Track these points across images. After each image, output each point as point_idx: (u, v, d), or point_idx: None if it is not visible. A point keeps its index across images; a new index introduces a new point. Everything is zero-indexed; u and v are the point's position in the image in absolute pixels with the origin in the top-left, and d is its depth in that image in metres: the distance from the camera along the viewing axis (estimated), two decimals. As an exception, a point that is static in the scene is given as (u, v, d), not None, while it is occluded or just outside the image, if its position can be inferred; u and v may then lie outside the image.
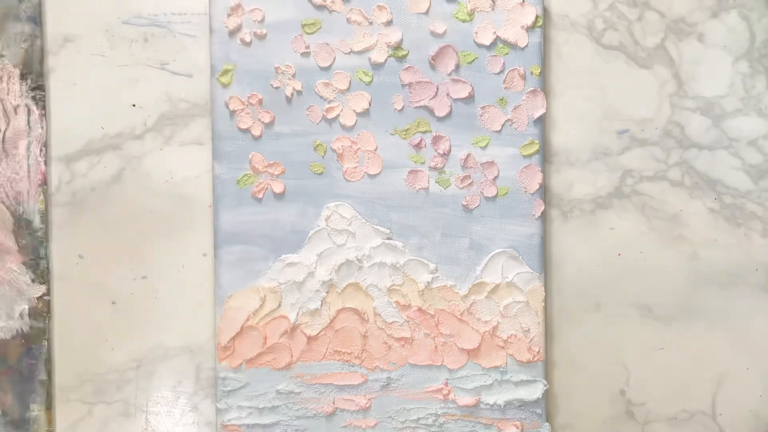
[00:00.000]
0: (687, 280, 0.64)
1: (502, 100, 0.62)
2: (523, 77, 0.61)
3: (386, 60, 0.62)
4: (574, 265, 0.64)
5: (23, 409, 0.63)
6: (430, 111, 0.62)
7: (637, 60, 0.64)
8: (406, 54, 0.62)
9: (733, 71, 0.64)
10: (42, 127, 0.63)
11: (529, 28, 0.61)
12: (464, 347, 0.62)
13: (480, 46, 0.61)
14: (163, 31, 0.63)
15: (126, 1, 0.63)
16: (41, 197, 0.63)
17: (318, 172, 0.62)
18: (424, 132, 0.62)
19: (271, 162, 0.62)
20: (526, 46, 0.61)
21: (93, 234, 0.64)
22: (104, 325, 0.64)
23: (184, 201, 0.64)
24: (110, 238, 0.64)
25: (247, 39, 0.61)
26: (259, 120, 0.62)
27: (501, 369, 0.62)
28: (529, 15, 0.61)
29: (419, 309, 0.62)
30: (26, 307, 0.63)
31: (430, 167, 0.62)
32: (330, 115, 0.62)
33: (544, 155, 0.63)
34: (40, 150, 0.63)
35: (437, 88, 0.62)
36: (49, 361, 0.63)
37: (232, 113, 0.62)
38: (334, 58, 0.62)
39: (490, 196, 0.62)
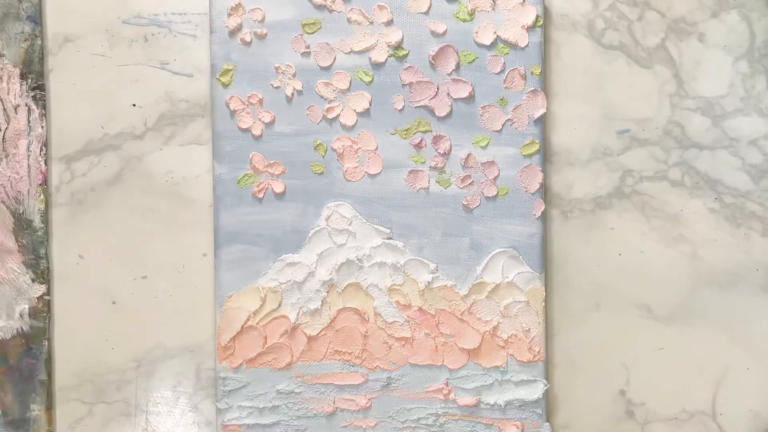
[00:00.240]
0: (687, 280, 0.64)
1: (502, 99, 0.62)
2: (524, 77, 0.61)
3: (386, 60, 0.62)
4: (575, 265, 0.64)
5: (23, 409, 0.63)
6: (431, 111, 0.62)
7: (637, 60, 0.64)
8: (407, 54, 0.62)
9: (733, 71, 0.64)
10: (42, 127, 0.63)
11: (530, 28, 0.61)
12: (465, 347, 0.62)
13: (480, 45, 0.61)
14: (163, 31, 0.63)
15: (126, 1, 0.63)
16: (41, 197, 0.63)
17: (318, 171, 0.62)
18: (425, 132, 0.62)
19: (272, 162, 0.62)
20: (527, 45, 0.61)
21: (93, 234, 0.64)
22: (104, 325, 0.64)
23: (184, 201, 0.64)
24: (110, 238, 0.64)
25: (248, 39, 0.61)
26: (260, 120, 0.62)
27: (501, 369, 0.62)
28: (530, 15, 0.61)
29: (420, 309, 0.62)
30: (26, 307, 0.63)
31: (430, 167, 0.62)
32: (330, 115, 0.62)
33: (545, 155, 0.63)
34: (40, 150, 0.63)
35: (437, 88, 0.62)
36: (49, 361, 0.63)
37: (233, 113, 0.62)
38: (335, 58, 0.62)
39: (491, 195, 0.62)
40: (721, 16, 0.64)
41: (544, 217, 0.63)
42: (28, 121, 0.63)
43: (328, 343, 0.62)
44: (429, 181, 0.62)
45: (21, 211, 0.63)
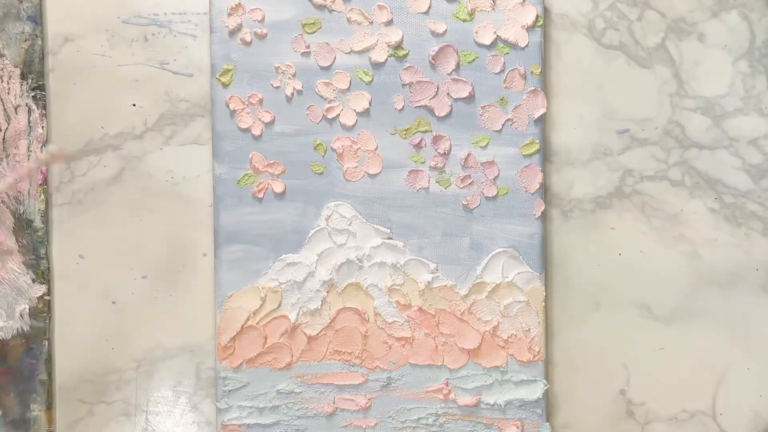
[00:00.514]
0: (687, 280, 0.64)
1: (502, 99, 0.62)
2: (524, 77, 0.61)
3: (386, 60, 0.62)
4: (575, 265, 0.64)
5: (23, 409, 0.63)
6: (431, 111, 0.62)
7: (637, 60, 0.64)
8: (407, 54, 0.62)
9: (733, 71, 0.64)
10: (42, 127, 0.63)
11: (530, 28, 0.61)
12: (465, 347, 0.62)
13: (480, 45, 0.61)
14: (163, 31, 0.63)
15: (126, 1, 0.63)
16: (41, 197, 0.63)
17: (318, 171, 0.62)
18: (425, 132, 0.62)
19: (272, 162, 0.62)
20: (527, 45, 0.61)
21: (93, 234, 0.64)
22: (104, 325, 0.64)
23: (184, 201, 0.64)
24: (110, 238, 0.64)
25: (248, 38, 0.61)
26: (260, 120, 0.62)
27: (501, 369, 0.62)
28: (530, 14, 0.61)
29: (420, 309, 0.62)
30: (26, 307, 0.63)
31: (430, 167, 0.62)
32: (330, 115, 0.62)
33: (545, 155, 0.63)
34: (41, 150, 0.63)
35: (437, 88, 0.62)
36: (49, 361, 0.63)
37: (233, 113, 0.62)
38: (335, 58, 0.62)
39: (491, 195, 0.62)
40: (721, 16, 0.64)
41: (544, 217, 0.63)
42: (29, 122, 0.63)
43: (328, 343, 0.62)
44: (429, 181, 0.62)
45: (21, 211, 0.63)
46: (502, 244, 0.62)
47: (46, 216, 0.63)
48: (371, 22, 0.61)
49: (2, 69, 0.62)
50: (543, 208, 0.62)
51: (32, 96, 0.63)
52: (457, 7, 0.61)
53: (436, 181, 0.62)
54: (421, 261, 0.62)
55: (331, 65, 0.62)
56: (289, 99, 0.62)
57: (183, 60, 0.63)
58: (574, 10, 0.63)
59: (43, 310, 0.63)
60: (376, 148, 0.62)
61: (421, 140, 0.62)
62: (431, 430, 0.63)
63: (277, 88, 0.62)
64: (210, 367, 0.64)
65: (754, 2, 0.63)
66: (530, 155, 0.62)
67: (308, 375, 0.62)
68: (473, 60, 0.61)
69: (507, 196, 0.62)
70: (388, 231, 0.62)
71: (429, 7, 0.61)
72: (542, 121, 0.62)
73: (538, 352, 0.62)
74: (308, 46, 0.61)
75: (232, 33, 0.61)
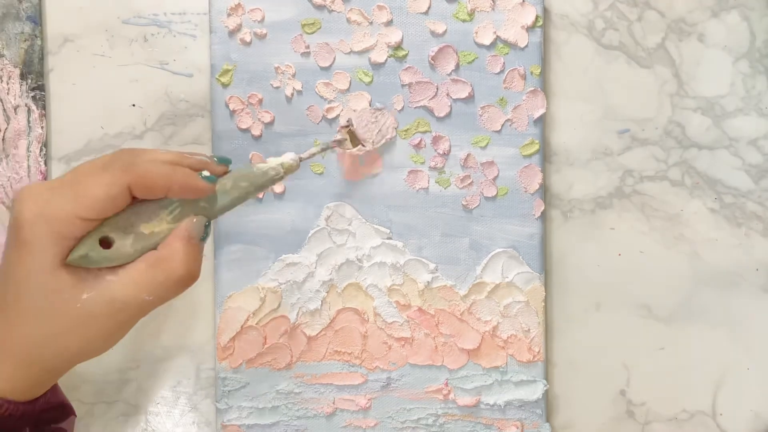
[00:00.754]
0: (687, 280, 0.64)
1: (502, 100, 0.62)
2: (523, 77, 0.61)
3: (386, 60, 0.62)
4: (574, 265, 0.64)
5: (23, 409, 0.63)
6: (430, 111, 0.62)
7: (637, 60, 0.64)
8: (406, 54, 0.62)
9: (733, 71, 0.64)
10: (42, 127, 0.63)
11: (529, 28, 0.61)
12: (464, 347, 0.62)
13: (480, 46, 0.61)
14: (163, 31, 0.63)
15: (126, 1, 0.63)
16: (41, 197, 0.63)
17: (318, 171, 0.62)
18: (424, 132, 0.62)
19: (271, 162, 0.62)
20: (526, 46, 0.61)
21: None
22: (104, 325, 0.64)
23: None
24: (110, 238, 0.64)
25: (247, 39, 0.61)
26: (259, 120, 0.62)
27: (501, 369, 0.62)
28: (529, 15, 0.61)
29: (419, 309, 0.62)
30: (26, 307, 0.63)
31: (430, 167, 0.62)
32: (330, 115, 0.62)
33: (544, 155, 0.63)
34: (40, 150, 0.63)
35: (437, 88, 0.62)
36: (49, 361, 0.63)
37: (232, 113, 0.62)
38: (334, 58, 0.62)
39: (490, 196, 0.62)
40: (721, 16, 0.63)
41: (544, 217, 0.63)
42: (28, 122, 0.63)
43: (328, 344, 0.62)
44: (429, 181, 0.62)
45: (21, 211, 0.63)
46: (502, 244, 0.62)
47: (46, 216, 0.63)
48: (371, 23, 0.61)
49: (2, 69, 0.62)
50: (543, 208, 0.62)
51: (32, 96, 0.63)
52: (456, 8, 0.61)
53: (436, 182, 0.62)
54: (421, 261, 0.62)
55: (330, 65, 0.62)
56: (289, 99, 0.62)
57: (183, 60, 0.63)
58: (574, 11, 0.63)
59: (43, 310, 0.63)
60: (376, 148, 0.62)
61: (421, 140, 0.62)
62: (431, 430, 0.63)
63: (277, 88, 0.62)
64: (210, 367, 0.64)
65: (754, 2, 0.63)
66: (530, 155, 0.62)
67: (308, 375, 0.62)
68: (473, 60, 0.61)
69: (507, 196, 0.62)
70: (388, 231, 0.62)
71: (429, 8, 0.61)
72: (542, 122, 0.62)
73: (538, 352, 0.62)
74: (308, 47, 0.61)
75: (232, 33, 0.61)
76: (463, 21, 0.61)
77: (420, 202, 0.62)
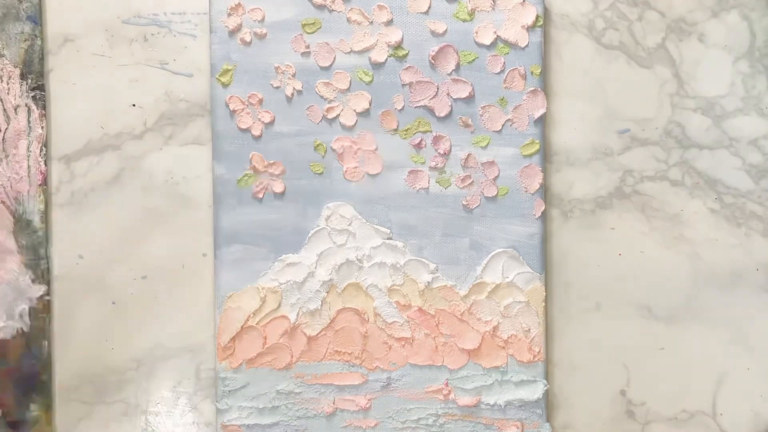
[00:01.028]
0: (687, 280, 0.64)
1: (502, 99, 0.62)
2: (524, 77, 0.61)
3: (386, 60, 0.62)
4: (575, 265, 0.64)
5: (23, 409, 0.63)
6: (431, 111, 0.62)
7: (637, 60, 0.64)
8: (407, 54, 0.62)
9: (733, 71, 0.64)
10: (42, 127, 0.63)
11: (530, 28, 0.61)
12: (465, 347, 0.62)
13: (480, 45, 0.61)
14: (163, 31, 0.63)
15: (126, 1, 0.63)
16: (41, 197, 0.63)
17: (318, 172, 0.62)
18: (425, 132, 0.62)
19: (272, 162, 0.62)
20: (527, 45, 0.61)
21: (93, 234, 0.64)
22: (104, 325, 0.64)
23: (184, 201, 0.64)
24: (110, 238, 0.64)
25: (247, 39, 0.61)
26: (259, 120, 0.62)
27: (501, 369, 0.62)
28: (530, 14, 0.61)
29: (420, 309, 0.62)
30: (26, 307, 0.63)
31: (430, 167, 0.62)
32: (330, 115, 0.62)
33: (545, 155, 0.63)
34: (40, 150, 0.63)
35: (437, 88, 0.61)
36: (49, 361, 0.63)
37: (232, 113, 0.62)
38: (334, 58, 0.62)
39: (491, 195, 0.62)
40: (721, 16, 0.63)
41: (544, 217, 0.63)
42: (28, 122, 0.63)
43: (328, 344, 0.62)
44: (429, 181, 0.62)
45: (21, 212, 0.63)
46: (502, 244, 0.62)
47: (46, 216, 0.63)
48: (371, 22, 0.61)
49: (2, 69, 0.62)
50: (543, 208, 0.62)
51: (32, 96, 0.63)
52: (457, 7, 0.61)
53: (436, 182, 0.62)
54: (421, 261, 0.62)
55: (331, 65, 0.62)
56: (289, 99, 0.62)
57: (183, 60, 0.63)
58: (574, 10, 0.63)
59: (43, 310, 0.63)
60: (376, 149, 0.62)
61: (421, 140, 0.62)
62: (431, 430, 0.63)
63: (277, 88, 0.62)
64: (210, 367, 0.64)
65: (754, 2, 0.63)
66: (530, 155, 0.62)
67: (308, 375, 0.62)
68: (473, 60, 0.61)
69: (507, 196, 0.62)
70: (388, 231, 0.62)
71: (429, 7, 0.61)
72: (542, 121, 0.62)
73: (538, 352, 0.62)
74: (308, 46, 0.61)
75: (232, 33, 0.61)
76: (464, 21, 0.61)
77: (420, 202, 0.62)
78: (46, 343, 0.63)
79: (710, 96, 0.64)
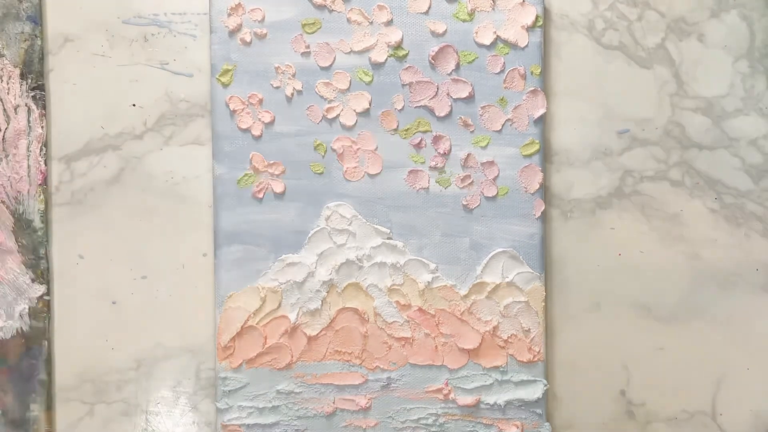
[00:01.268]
0: (687, 280, 0.64)
1: (502, 99, 0.62)
2: (524, 77, 0.61)
3: (386, 60, 0.62)
4: (575, 265, 0.64)
5: (23, 409, 0.63)
6: (431, 111, 0.62)
7: (637, 60, 0.64)
8: (406, 54, 0.62)
9: (733, 71, 0.64)
10: (42, 127, 0.63)
11: (530, 28, 0.61)
12: (464, 347, 0.62)
13: (480, 45, 0.61)
14: (163, 31, 0.63)
15: (126, 1, 0.63)
16: (41, 197, 0.63)
17: (318, 171, 0.62)
18: (425, 132, 0.62)
19: (272, 162, 0.62)
20: (527, 45, 0.61)
21: (93, 234, 0.64)
22: (104, 325, 0.64)
23: (184, 201, 0.64)
24: (110, 238, 0.64)
25: (247, 39, 0.61)
26: (260, 120, 0.62)
27: (501, 369, 0.62)
28: (530, 15, 0.61)
29: (419, 309, 0.62)
30: (26, 307, 0.63)
31: (430, 167, 0.62)
32: (330, 115, 0.62)
33: (545, 155, 0.63)
34: (40, 150, 0.63)
35: (437, 88, 0.62)
36: (49, 361, 0.63)
37: (232, 113, 0.62)
38: (334, 58, 0.62)
39: (491, 195, 0.62)
40: (721, 16, 0.64)
41: (544, 217, 0.63)
42: (28, 122, 0.63)
43: (328, 343, 0.62)
44: (429, 181, 0.62)
45: (21, 211, 0.63)
46: (502, 244, 0.62)
47: (45, 216, 0.63)
48: (371, 23, 0.61)
49: (2, 69, 0.62)
50: (543, 208, 0.62)
51: (32, 96, 0.63)
52: (457, 8, 0.61)
53: (436, 181, 0.62)
54: (421, 261, 0.62)
55: (331, 65, 0.62)
56: (289, 99, 0.62)
57: (183, 60, 0.63)
58: (574, 10, 0.63)
59: (43, 310, 0.63)
60: (375, 149, 0.62)
61: (421, 140, 0.62)
62: (431, 430, 0.63)
63: (277, 88, 0.62)
64: (210, 367, 0.64)
65: (754, 2, 0.63)
66: (530, 155, 0.62)
67: (308, 375, 0.62)
68: (473, 60, 0.61)
69: (507, 196, 0.62)
70: (388, 231, 0.62)
71: (429, 8, 0.61)
72: (542, 121, 0.62)
73: (538, 352, 0.62)
74: (308, 46, 0.61)
75: (232, 33, 0.61)
76: (464, 21, 0.61)
77: (420, 202, 0.62)
78: (46, 343, 0.63)
79: (710, 96, 0.64)
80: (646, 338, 0.64)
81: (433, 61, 0.61)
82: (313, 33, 0.61)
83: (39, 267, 0.63)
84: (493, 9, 0.61)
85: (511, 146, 0.62)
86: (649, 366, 0.64)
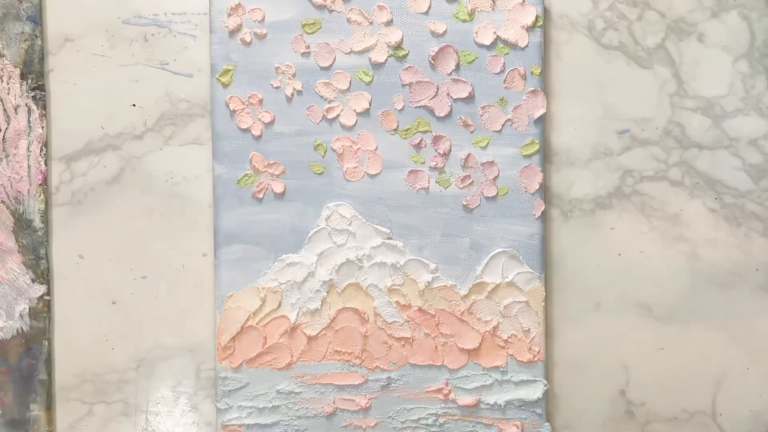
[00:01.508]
0: (687, 280, 0.64)
1: (502, 99, 0.62)
2: (524, 77, 0.61)
3: (386, 60, 0.62)
4: (574, 265, 0.64)
5: (23, 409, 0.63)
6: (431, 111, 0.62)
7: (637, 60, 0.64)
8: (406, 54, 0.62)
9: (733, 71, 0.64)
10: (42, 127, 0.63)
11: (530, 28, 0.61)
12: (464, 347, 0.62)
13: (480, 45, 0.61)
14: (163, 31, 0.63)
15: (126, 1, 0.63)
16: (41, 197, 0.63)
17: (318, 172, 0.62)
18: (425, 132, 0.62)
19: (272, 162, 0.62)
20: (527, 45, 0.61)
21: (93, 234, 0.64)
22: (104, 325, 0.64)
23: (184, 201, 0.64)
24: (110, 238, 0.64)
25: (248, 39, 0.61)
26: (260, 120, 0.62)
27: (501, 369, 0.62)
28: (530, 15, 0.61)
29: (419, 309, 0.62)
30: (26, 307, 0.63)
31: (430, 167, 0.62)
32: (330, 115, 0.62)
33: (545, 155, 0.63)
34: (40, 150, 0.63)
35: (437, 88, 0.62)
36: (49, 361, 0.63)
37: (232, 113, 0.62)
38: (334, 58, 0.62)
39: (491, 195, 0.62)
40: (721, 16, 0.64)
41: (544, 217, 0.63)
42: (28, 122, 0.63)
43: (328, 343, 0.62)
44: (429, 181, 0.62)
45: (21, 211, 0.63)
46: (502, 244, 0.62)
47: (46, 216, 0.63)
48: (371, 23, 0.61)
49: (2, 69, 0.62)
50: (543, 208, 0.62)
51: (32, 96, 0.63)
52: (457, 8, 0.61)
53: (436, 182, 0.62)
54: (421, 261, 0.62)
55: (331, 65, 0.62)
56: (289, 99, 0.62)
57: (183, 60, 0.63)
58: (574, 10, 0.63)
59: (43, 310, 0.63)
60: (375, 149, 0.62)
61: (421, 140, 0.62)
62: (431, 430, 0.63)
63: (277, 88, 0.62)
64: (210, 367, 0.64)
65: (754, 2, 0.63)
66: (530, 155, 0.62)
67: (308, 375, 0.62)
68: (473, 60, 0.61)
69: (507, 196, 0.62)
70: (388, 231, 0.62)
71: (429, 8, 0.61)
72: (542, 122, 0.62)
73: (538, 352, 0.62)
74: (308, 47, 0.61)
75: (232, 33, 0.61)
76: (463, 21, 0.61)
77: (420, 202, 0.62)
78: (46, 343, 0.63)
79: (710, 96, 0.64)
80: (646, 338, 0.64)
81: (433, 61, 0.61)
82: (313, 33, 0.61)
83: (39, 267, 0.63)
84: (493, 9, 0.61)
85: (511, 146, 0.62)
86: (649, 366, 0.64)
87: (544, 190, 0.63)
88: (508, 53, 0.61)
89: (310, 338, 0.62)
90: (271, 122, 0.62)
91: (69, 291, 0.64)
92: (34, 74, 0.63)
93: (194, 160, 0.63)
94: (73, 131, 0.64)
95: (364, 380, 0.62)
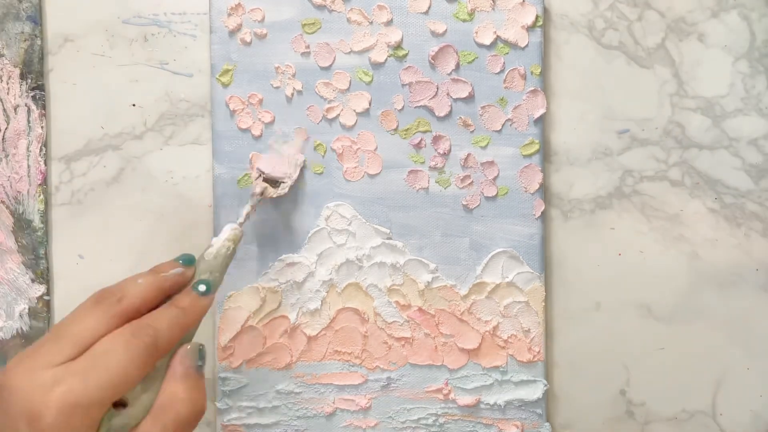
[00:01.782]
0: (687, 280, 0.64)
1: (502, 99, 0.62)
2: (524, 77, 0.61)
3: (386, 60, 0.62)
4: (574, 265, 0.64)
5: (23, 409, 0.63)
6: (430, 111, 0.62)
7: (637, 60, 0.64)
8: (406, 54, 0.62)
9: (733, 71, 0.64)
10: (42, 127, 0.63)
11: (530, 28, 0.61)
12: (464, 347, 0.62)
13: (480, 45, 0.61)
14: (163, 31, 0.63)
15: (126, 1, 0.63)
16: (41, 197, 0.63)
17: (318, 172, 0.62)
18: (425, 132, 0.62)
19: (271, 162, 0.62)
20: (527, 45, 0.61)
21: (93, 234, 0.64)
22: (104, 325, 0.64)
23: (184, 201, 0.64)
24: (110, 238, 0.64)
25: (247, 39, 0.61)
26: (260, 120, 0.62)
27: (501, 369, 0.62)
28: (530, 15, 0.61)
29: (419, 309, 0.62)
30: (26, 307, 0.63)
31: (430, 167, 0.62)
32: (330, 115, 0.62)
33: (544, 155, 0.63)
34: (40, 150, 0.63)
35: (437, 88, 0.62)
36: (49, 361, 0.63)
37: (232, 113, 0.62)
38: (334, 58, 0.62)
39: (490, 195, 0.62)
40: (721, 16, 0.64)
41: (544, 217, 0.63)
42: (28, 122, 0.63)
43: (328, 344, 0.62)
44: (429, 181, 0.62)
45: (21, 211, 0.63)
46: (502, 244, 0.62)
47: (45, 216, 0.63)
48: (371, 23, 0.61)
49: (2, 69, 0.62)
50: (543, 208, 0.62)
51: (32, 96, 0.63)
52: (457, 7, 0.61)
53: (436, 182, 0.62)
54: (421, 261, 0.62)
55: (331, 65, 0.62)
56: (289, 99, 0.62)
57: (183, 60, 0.63)
58: (574, 10, 0.63)
59: (42, 310, 0.63)
60: (375, 149, 0.62)
61: (421, 140, 0.62)
62: (431, 430, 0.63)
63: (277, 88, 0.62)
64: (210, 367, 0.64)
65: (754, 2, 0.63)
66: (530, 155, 0.62)
67: (308, 375, 0.62)
68: (473, 60, 0.61)
69: (507, 196, 0.62)
70: (388, 231, 0.62)
71: (429, 7, 0.61)
72: (542, 121, 0.62)
73: (538, 352, 0.62)
74: (308, 47, 0.61)
75: (232, 33, 0.61)
76: (463, 21, 0.61)
77: (420, 202, 0.62)
78: (46, 343, 0.63)
79: (710, 96, 0.64)
80: (646, 338, 0.64)
81: (433, 61, 0.61)
82: (313, 33, 0.61)
83: (39, 267, 0.63)
84: (493, 9, 0.61)
85: (511, 146, 0.62)
86: (649, 366, 0.64)
87: (544, 190, 0.63)
88: (508, 53, 0.61)
89: (310, 338, 0.62)
90: (271, 122, 0.62)
91: (69, 291, 0.64)
92: (33, 74, 0.63)
93: (194, 160, 0.63)
94: (73, 131, 0.64)
95: (364, 380, 0.62)
